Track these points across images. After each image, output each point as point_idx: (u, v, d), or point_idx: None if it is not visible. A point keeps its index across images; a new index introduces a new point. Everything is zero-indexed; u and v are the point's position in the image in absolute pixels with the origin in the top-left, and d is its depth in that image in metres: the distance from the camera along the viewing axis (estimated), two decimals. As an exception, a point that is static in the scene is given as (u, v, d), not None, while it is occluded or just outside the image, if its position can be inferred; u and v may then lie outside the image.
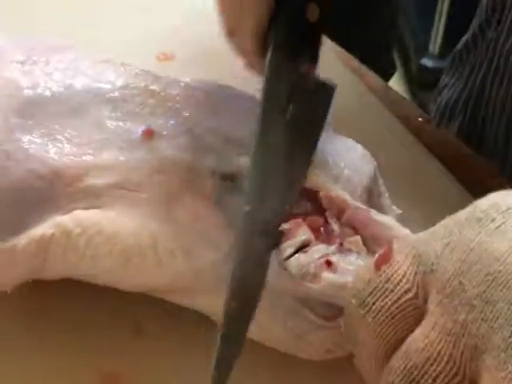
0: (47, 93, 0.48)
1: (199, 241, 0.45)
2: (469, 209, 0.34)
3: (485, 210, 0.33)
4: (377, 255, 0.35)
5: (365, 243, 0.44)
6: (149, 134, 0.47)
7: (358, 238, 0.44)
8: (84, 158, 0.46)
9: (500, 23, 0.68)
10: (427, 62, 1.86)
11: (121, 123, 0.48)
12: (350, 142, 0.53)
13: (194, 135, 0.48)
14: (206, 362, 0.40)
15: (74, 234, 0.44)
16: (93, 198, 0.45)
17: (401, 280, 0.33)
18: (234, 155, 0.47)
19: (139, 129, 0.47)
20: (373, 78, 0.73)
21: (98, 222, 0.44)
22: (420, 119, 0.68)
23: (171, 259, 0.45)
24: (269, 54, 0.46)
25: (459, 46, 0.76)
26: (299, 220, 0.44)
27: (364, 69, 0.74)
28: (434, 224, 0.36)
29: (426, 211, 0.54)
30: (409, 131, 0.65)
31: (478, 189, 0.60)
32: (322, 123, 0.46)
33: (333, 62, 0.72)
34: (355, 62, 0.75)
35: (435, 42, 1.83)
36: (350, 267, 0.42)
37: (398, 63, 1.98)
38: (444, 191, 0.60)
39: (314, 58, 0.46)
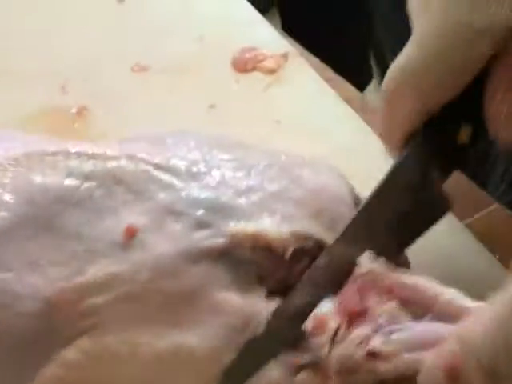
0: (12, 216, 0.43)
1: (218, 344, 0.42)
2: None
3: None
4: (442, 368, 0.35)
5: (401, 304, 0.41)
6: (131, 233, 0.42)
7: (394, 304, 0.41)
8: (73, 279, 0.41)
9: None
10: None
11: (97, 225, 0.43)
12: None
13: (178, 216, 0.44)
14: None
15: (84, 366, 0.41)
16: (95, 318, 0.41)
17: None
18: (227, 223, 0.43)
19: (118, 228, 0.43)
20: (349, 88, 0.72)
21: (106, 347, 0.41)
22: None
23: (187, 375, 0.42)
24: (406, 153, 0.45)
25: None
26: (323, 317, 0.41)
27: (340, 79, 0.72)
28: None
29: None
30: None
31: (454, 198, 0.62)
32: (425, 229, 0.45)
33: (306, 72, 0.71)
34: (330, 73, 0.73)
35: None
36: (398, 348, 0.39)
37: (376, 71, 1.99)
38: None
39: (447, 173, 0.46)
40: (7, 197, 0.43)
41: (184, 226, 0.43)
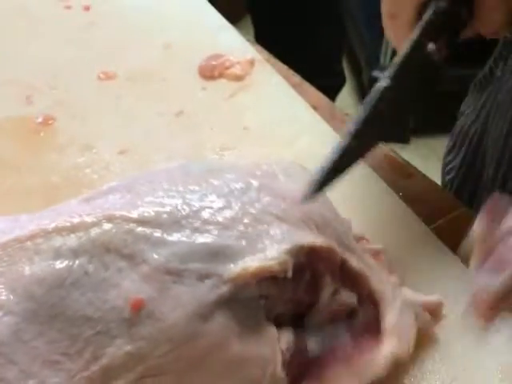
0: (15, 318, 0.40)
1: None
2: None
3: None
4: None
5: None
6: (138, 306, 0.40)
7: None
8: (91, 367, 0.39)
9: (507, 61, 0.67)
10: (378, 74, 1.88)
11: (100, 304, 0.40)
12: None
13: (177, 275, 0.41)
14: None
15: None
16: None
17: None
18: (226, 267, 0.42)
19: (122, 302, 0.40)
20: (316, 95, 0.71)
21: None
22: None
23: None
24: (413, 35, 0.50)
25: (479, 75, 0.74)
26: None
27: (307, 85, 0.71)
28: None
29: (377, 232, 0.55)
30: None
31: (419, 203, 0.62)
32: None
33: (273, 78, 0.71)
34: (297, 79, 0.72)
35: (386, 54, 1.85)
36: None
37: (350, 75, 2.00)
38: (388, 209, 0.59)
39: (451, 47, 0.51)
40: (4, 298, 0.40)
41: (186, 285, 0.41)
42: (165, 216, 0.43)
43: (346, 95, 1.85)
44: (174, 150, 0.63)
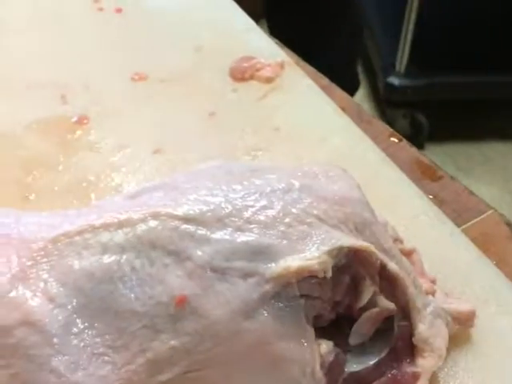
0: (66, 311, 0.40)
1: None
2: None
3: None
4: None
5: None
6: (182, 302, 0.40)
7: None
8: (137, 360, 0.40)
9: None
10: (394, 81, 1.87)
11: (146, 299, 0.40)
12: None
13: (221, 273, 0.41)
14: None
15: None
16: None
17: None
18: (268, 265, 0.42)
19: (168, 298, 0.40)
20: (344, 97, 0.71)
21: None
22: (392, 138, 0.67)
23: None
24: None
25: None
26: None
27: (335, 88, 0.71)
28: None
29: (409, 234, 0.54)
30: (381, 150, 0.64)
31: (450, 205, 0.62)
32: None
33: (303, 80, 0.71)
34: (325, 81, 0.72)
35: (401, 61, 1.85)
36: None
37: (365, 81, 2.00)
38: (415, 210, 0.59)
39: None
40: (55, 291, 0.40)
41: (229, 283, 0.41)
42: (209, 214, 0.43)
43: (363, 101, 1.85)
44: (206, 150, 0.63)
